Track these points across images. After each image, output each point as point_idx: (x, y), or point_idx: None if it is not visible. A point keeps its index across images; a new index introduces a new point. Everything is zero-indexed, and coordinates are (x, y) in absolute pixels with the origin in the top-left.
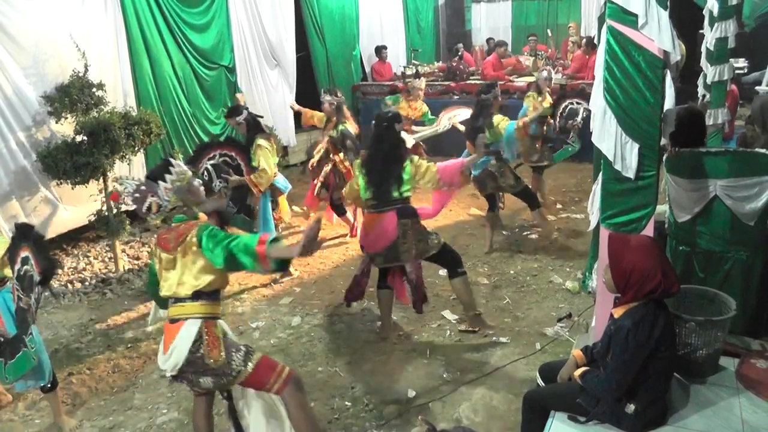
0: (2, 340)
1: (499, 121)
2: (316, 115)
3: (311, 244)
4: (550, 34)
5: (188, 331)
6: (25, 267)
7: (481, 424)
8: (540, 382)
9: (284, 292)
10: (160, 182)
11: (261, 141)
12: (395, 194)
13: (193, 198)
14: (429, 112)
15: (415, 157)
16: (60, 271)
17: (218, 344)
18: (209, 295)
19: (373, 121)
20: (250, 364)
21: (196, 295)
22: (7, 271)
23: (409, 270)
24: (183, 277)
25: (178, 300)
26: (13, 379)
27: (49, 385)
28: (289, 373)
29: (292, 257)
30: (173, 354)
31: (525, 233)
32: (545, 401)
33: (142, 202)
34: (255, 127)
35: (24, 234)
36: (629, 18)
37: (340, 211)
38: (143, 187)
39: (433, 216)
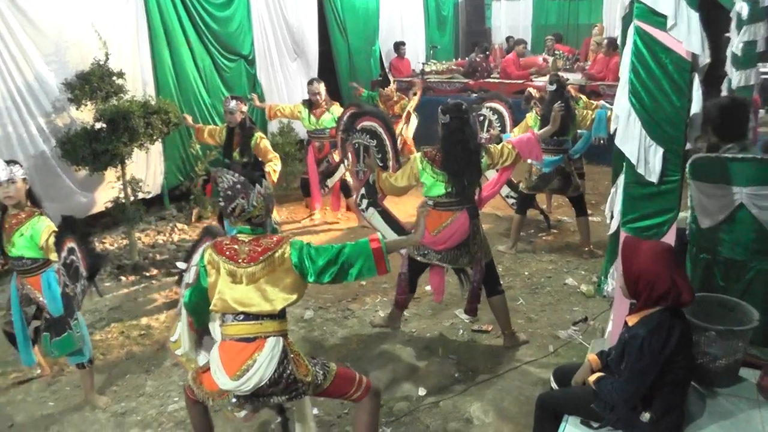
0: (48, 316)
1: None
2: (283, 109)
3: (423, 227)
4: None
5: (274, 350)
6: (72, 257)
7: (491, 425)
8: (554, 384)
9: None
10: (257, 185)
11: (261, 134)
12: (476, 190)
13: (270, 208)
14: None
15: (489, 146)
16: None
17: (302, 360)
18: (285, 312)
19: (443, 115)
20: (329, 376)
21: (281, 313)
22: (53, 256)
23: (473, 272)
24: (270, 294)
25: (254, 317)
26: (58, 355)
27: (87, 363)
28: (368, 383)
29: (414, 243)
30: (257, 373)
31: (540, 234)
32: (558, 405)
33: (232, 201)
34: (249, 127)
35: (70, 226)
36: (658, 19)
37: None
38: (239, 186)
39: (485, 203)
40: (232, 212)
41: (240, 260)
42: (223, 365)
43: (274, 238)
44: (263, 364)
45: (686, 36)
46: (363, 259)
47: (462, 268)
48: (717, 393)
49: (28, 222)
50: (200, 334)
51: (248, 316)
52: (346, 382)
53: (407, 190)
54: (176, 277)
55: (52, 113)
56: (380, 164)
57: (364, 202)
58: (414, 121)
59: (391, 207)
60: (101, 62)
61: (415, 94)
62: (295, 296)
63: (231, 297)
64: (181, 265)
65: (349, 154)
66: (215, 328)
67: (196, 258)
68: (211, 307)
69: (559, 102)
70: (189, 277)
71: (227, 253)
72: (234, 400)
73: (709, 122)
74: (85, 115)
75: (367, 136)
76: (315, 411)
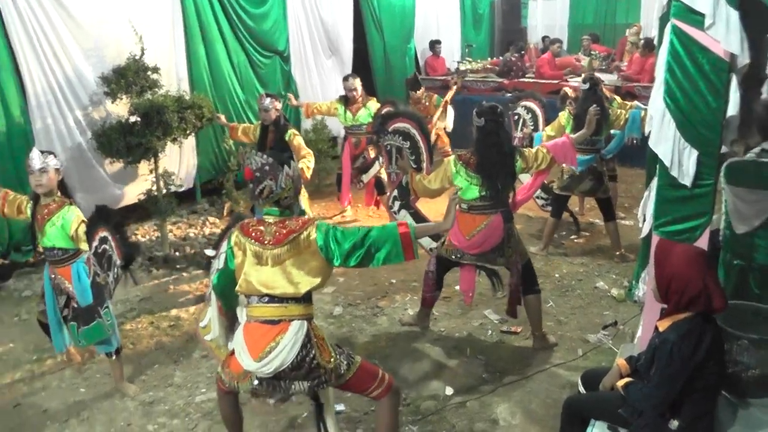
0: (76, 306)
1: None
2: (320, 106)
3: (453, 215)
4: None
5: (298, 333)
6: (104, 246)
7: (518, 426)
8: (581, 388)
9: (328, 281)
10: (285, 167)
11: (294, 130)
12: (510, 194)
13: (299, 189)
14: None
15: (524, 150)
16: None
17: (326, 346)
18: (311, 295)
19: (478, 118)
20: (353, 367)
21: (306, 296)
22: (83, 245)
23: (510, 275)
24: (295, 276)
25: (278, 300)
26: (86, 344)
27: (114, 352)
28: (390, 380)
29: (441, 231)
30: (279, 356)
31: (572, 237)
32: (585, 409)
33: (260, 182)
34: (284, 124)
35: (103, 216)
36: (695, 17)
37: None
38: (267, 167)
39: (519, 206)
40: (260, 194)
41: (266, 242)
42: (247, 346)
43: (300, 221)
44: (286, 347)
45: (724, 35)
46: (391, 243)
47: (494, 270)
48: (749, 403)
49: (58, 212)
50: (230, 321)
51: (273, 299)
52: (369, 377)
53: (441, 192)
54: (207, 270)
55: (89, 106)
56: (414, 166)
57: (396, 204)
58: (451, 112)
59: (423, 208)
60: (137, 57)
61: (455, 84)
62: (319, 280)
63: (256, 279)
64: (209, 252)
65: (381, 155)
66: (242, 312)
67: (224, 245)
68: (236, 288)
69: (595, 105)
70: (219, 263)
71: (253, 234)
72: (256, 382)
73: (755, 120)
74: (120, 108)
75: (400, 137)
76: (342, 407)
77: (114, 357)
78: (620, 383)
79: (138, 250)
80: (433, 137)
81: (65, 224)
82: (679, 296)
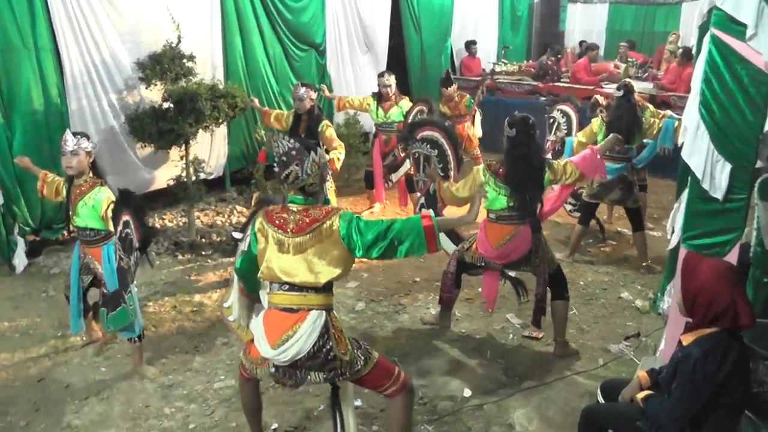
0: (105, 291)
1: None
2: (352, 101)
3: (477, 208)
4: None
5: (315, 323)
6: (126, 230)
7: None
8: (600, 398)
9: (351, 276)
10: (312, 153)
11: (327, 121)
12: (537, 205)
13: (324, 177)
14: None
15: (553, 162)
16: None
17: (343, 338)
18: (331, 285)
19: (510, 128)
20: (369, 363)
21: (327, 286)
22: (111, 226)
23: (537, 284)
24: (316, 266)
25: (298, 288)
26: (114, 329)
27: (137, 338)
28: (405, 379)
29: (467, 223)
30: (295, 344)
31: (598, 245)
32: (603, 419)
33: (286, 167)
34: (317, 114)
35: (126, 199)
36: (736, 28)
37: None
38: (294, 152)
39: (547, 217)
40: (285, 179)
41: (288, 230)
42: (266, 333)
43: (324, 209)
44: (303, 336)
45: (767, 47)
46: (414, 235)
47: (519, 280)
48: None
49: (90, 192)
50: (252, 302)
51: (293, 287)
52: (385, 374)
53: (469, 201)
54: (233, 252)
55: (123, 90)
56: (441, 174)
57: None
58: (477, 115)
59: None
60: (173, 45)
61: (482, 92)
62: (339, 270)
63: (278, 266)
64: (237, 234)
65: (407, 162)
66: (264, 296)
67: (250, 228)
68: (258, 274)
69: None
70: (244, 245)
71: (277, 222)
72: (273, 369)
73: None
74: (154, 94)
75: (428, 145)
76: (358, 402)
77: (136, 343)
78: (640, 395)
79: (156, 233)
80: (464, 141)
81: (96, 204)
82: (705, 310)
